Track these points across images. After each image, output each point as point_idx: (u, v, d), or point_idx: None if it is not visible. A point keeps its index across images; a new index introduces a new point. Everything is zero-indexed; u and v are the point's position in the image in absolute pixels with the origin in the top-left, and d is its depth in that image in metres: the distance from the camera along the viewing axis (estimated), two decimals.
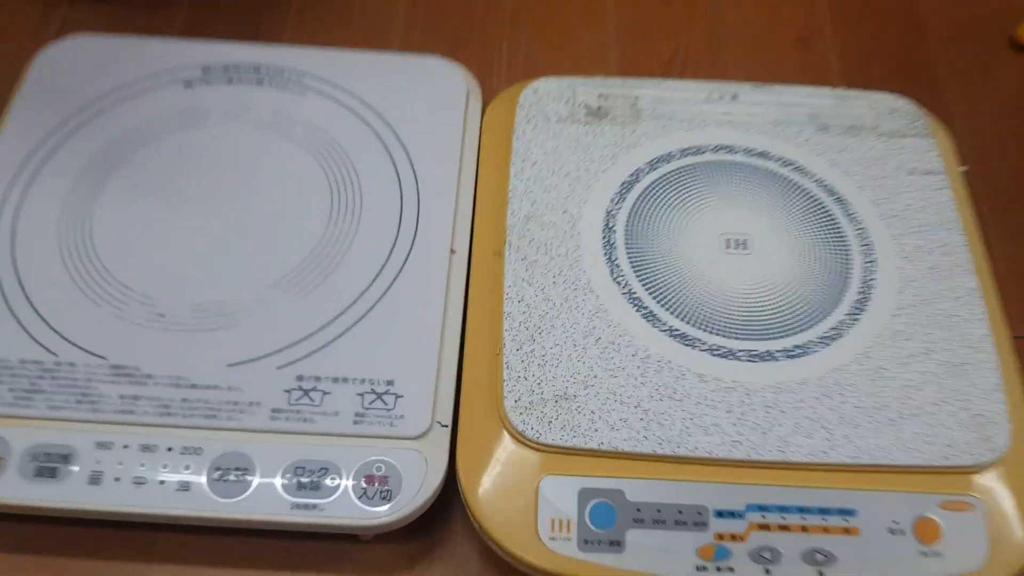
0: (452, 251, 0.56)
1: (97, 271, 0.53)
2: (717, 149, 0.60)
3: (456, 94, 0.62)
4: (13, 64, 0.67)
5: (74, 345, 0.51)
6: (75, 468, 0.48)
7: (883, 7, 0.78)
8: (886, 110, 0.63)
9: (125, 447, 0.48)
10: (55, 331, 0.51)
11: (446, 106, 0.62)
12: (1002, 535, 0.48)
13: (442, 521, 0.52)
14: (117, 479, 0.47)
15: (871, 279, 0.55)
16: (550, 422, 0.49)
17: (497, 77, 0.70)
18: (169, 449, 0.48)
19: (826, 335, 0.53)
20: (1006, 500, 0.49)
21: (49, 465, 0.48)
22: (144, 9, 0.73)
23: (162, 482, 0.47)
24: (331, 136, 0.59)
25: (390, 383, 0.50)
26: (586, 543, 0.47)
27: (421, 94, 0.62)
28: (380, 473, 0.48)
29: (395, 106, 0.61)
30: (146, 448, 0.48)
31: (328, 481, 0.48)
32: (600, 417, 0.49)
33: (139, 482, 0.47)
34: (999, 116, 0.71)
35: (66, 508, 0.47)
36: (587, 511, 0.48)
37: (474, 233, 0.57)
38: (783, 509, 0.48)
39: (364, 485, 0.48)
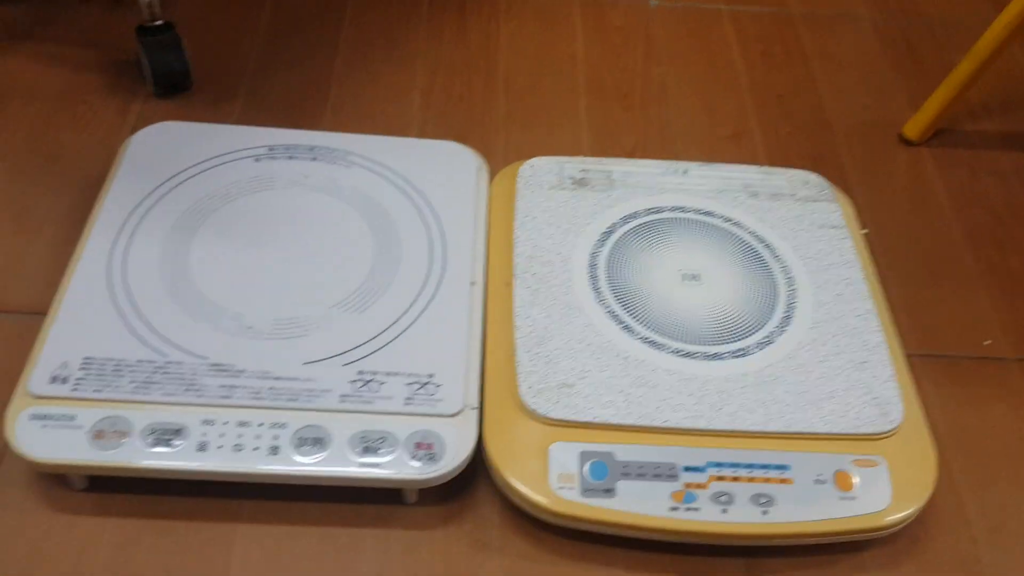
0: (472, 282, 0.71)
1: (194, 294, 0.67)
2: (673, 209, 0.78)
3: (469, 168, 0.79)
4: (105, 145, 0.83)
5: (179, 348, 0.64)
6: (185, 439, 0.61)
7: (797, 112, 0.98)
8: (800, 182, 0.81)
9: (225, 423, 0.61)
10: (163, 338, 0.65)
11: (461, 176, 0.79)
12: (901, 483, 0.63)
13: (469, 491, 0.66)
14: (220, 447, 0.61)
15: (793, 302, 0.72)
16: (555, 403, 0.64)
17: (495, 159, 0.88)
18: (260, 424, 0.62)
19: (761, 341, 0.69)
20: (902, 458, 0.65)
21: (164, 437, 0.61)
22: (206, 104, 0.90)
23: (256, 448, 0.61)
24: (373, 198, 0.76)
25: (431, 376, 0.65)
26: (586, 491, 0.61)
27: (441, 168, 0.79)
28: (427, 441, 0.62)
29: (422, 176, 0.78)
30: (242, 423, 0.62)
31: (387, 446, 0.61)
32: (593, 399, 0.64)
33: (238, 448, 0.60)
34: (891, 192, 0.91)
35: (180, 469, 0.60)
36: (586, 468, 0.62)
37: (488, 269, 0.73)
38: (735, 465, 0.63)
39: (415, 449, 0.62)
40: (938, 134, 0.97)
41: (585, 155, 0.90)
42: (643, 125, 0.94)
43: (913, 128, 0.95)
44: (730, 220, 0.78)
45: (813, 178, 0.82)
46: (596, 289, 0.71)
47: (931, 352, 0.78)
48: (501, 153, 0.89)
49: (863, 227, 0.83)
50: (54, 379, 0.62)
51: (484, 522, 0.65)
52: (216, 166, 0.76)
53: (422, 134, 0.89)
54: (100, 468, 0.60)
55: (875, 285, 0.75)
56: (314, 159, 0.78)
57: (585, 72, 0.99)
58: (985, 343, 0.79)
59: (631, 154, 0.91)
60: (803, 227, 0.78)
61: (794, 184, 0.81)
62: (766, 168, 0.82)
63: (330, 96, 0.92)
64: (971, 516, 0.68)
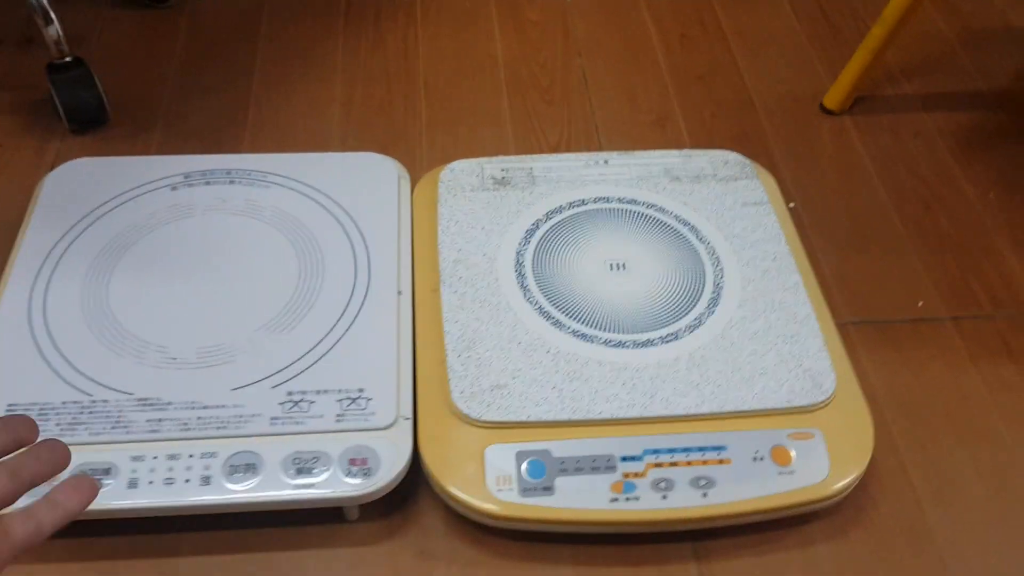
0: (399, 292, 0.71)
1: (117, 330, 0.67)
2: (597, 200, 0.78)
3: (390, 178, 0.79)
4: (22, 187, 0.81)
5: (104, 386, 0.64)
6: (115, 478, 0.60)
7: (718, 92, 0.98)
8: (721, 162, 0.82)
9: (155, 458, 0.61)
10: (88, 377, 0.64)
11: (383, 187, 0.78)
12: (838, 454, 0.64)
13: (412, 502, 0.66)
14: (151, 482, 0.60)
15: (721, 281, 0.72)
16: (488, 405, 0.64)
17: (419, 166, 0.87)
18: (191, 455, 0.61)
19: (691, 324, 0.69)
20: (837, 428, 0.65)
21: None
22: (123, 138, 0.89)
23: (187, 480, 0.60)
24: (294, 216, 0.75)
25: (361, 390, 0.64)
26: (525, 491, 0.61)
27: (362, 180, 0.78)
28: (360, 456, 0.61)
29: (343, 190, 0.77)
30: (172, 456, 0.61)
31: (320, 466, 0.61)
32: (527, 398, 0.64)
33: (169, 482, 0.60)
34: (817, 163, 0.91)
35: (111, 509, 0.59)
36: (523, 467, 0.62)
37: (415, 277, 0.72)
38: (671, 450, 0.63)
39: (349, 466, 0.61)
40: (858, 101, 0.97)
41: (511, 154, 0.90)
42: (567, 118, 0.94)
43: (832, 98, 0.96)
44: (653, 206, 0.78)
45: (733, 157, 0.82)
46: (523, 287, 0.71)
47: (865, 319, 0.79)
48: (426, 159, 0.89)
49: (789, 201, 0.83)
50: None
51: (429, 532, 0.64)
52: (133, 198, 0.75)
53: (344, 147, 0.89)
54: None
55: (802, 258, 0.75)
56: (231, 182, 0.77)
57: (505, 70, 0.99)
58: (919, 304, 0.80)
59: (557, 148, 0.91)
60: (726, 206, 0.78)
61: (715, 164, 0.81)
62: (686, 151, 0.83)
63: (248, 117, 0.91)
64: (915, 479, 0.69)
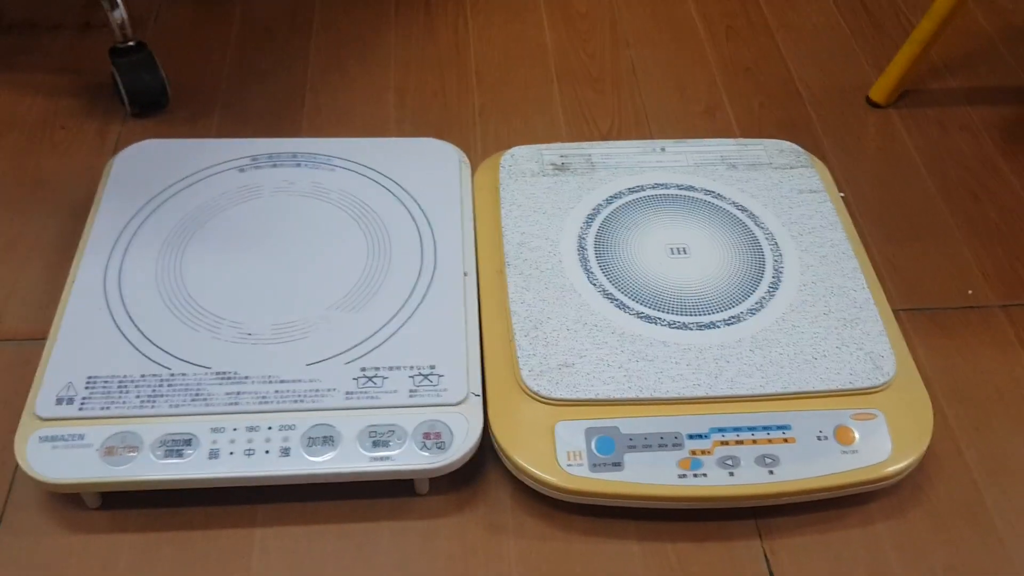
0: (465, 273, 0.72)
1: (192, 306, 0.68)
2: (655, 187, 0.79)
3: (451, 163, 0.80)
4: (86, 169, 0.83)
5: (182, 360, 0.65)
6: (196, 449, 0.61)
7: (766, 83, 0.99)
8: (776, 151, 0.83)
9: (235, 429, 0.62)
10: (166, 352, 0.65)
11: (444, 172, 0.80)
12: (900, 434, 0.65)
13: (480, 475, 0.67)
14: (231, 453, 0.61)
15: (780, 266, 0.73)
16: (557, 383, 0.65)
17: (474, 151, 0.89)
18: (269, 428, 0.62)
19: (752, 307, 0.71)
20: (898, 409, 0.66)
21: (175, 448, 0.61)
22: (183, 121, 0.90)
23: (267, 452, 0.61)
24: (360, 199, 0.76)
25: (432, 367, 0.66)
26: (595, 466, 0.63)
27: (424, 164, 0.80)
28: (434, 431, 0.63)
29: (406, 174, 0.79)
30: (251, 428, 0.62)
31: (395, 439, 0.62)
32: (594, 376, 0.66)
33: (249, 453, 0.61)
34: (864, 155, 0.93)
35: (193, 479, 0.61)
36: (593, 443, 0.63)
37: (479, 259, 0.74)
38: (737, 429, 0.65)
39: (423, 440, 0.62)
40: (904, 95, 0.98)
41: (563, 141, 0.91)
42: (617, 107, 0.96)
43: (879, 91, 0.97)
44: (711, 192, 0.79)
45: (787, 145, 0.83)
46: (587, 270, 0.72)
47: (917, 306, 0.80)
48: (479, 145, 0.90)
49: (840, 191, 0.84)
50: (60, 400, 0.62)
51: (497, 505, 0.66)
52: (202, 179, 0.77)
53: (400, 133, 0.90)
54: (113, 484, 0.61)
55: (858, 245, 0.76)
56: (298, 165, 0.79)
57: (555, 60, 1.00)
58: (968, 293, 0.81)
59: (607, 136, 0.93)
60: (783, 194, 0.79)
61: (770, 153, 0.83)
62: (741, 140, 0.84)
63: (306, 102, 0.93)
64: (970, 461, 0.70)
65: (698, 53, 1.03)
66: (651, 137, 0.93)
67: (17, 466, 0.61)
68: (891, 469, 0.64)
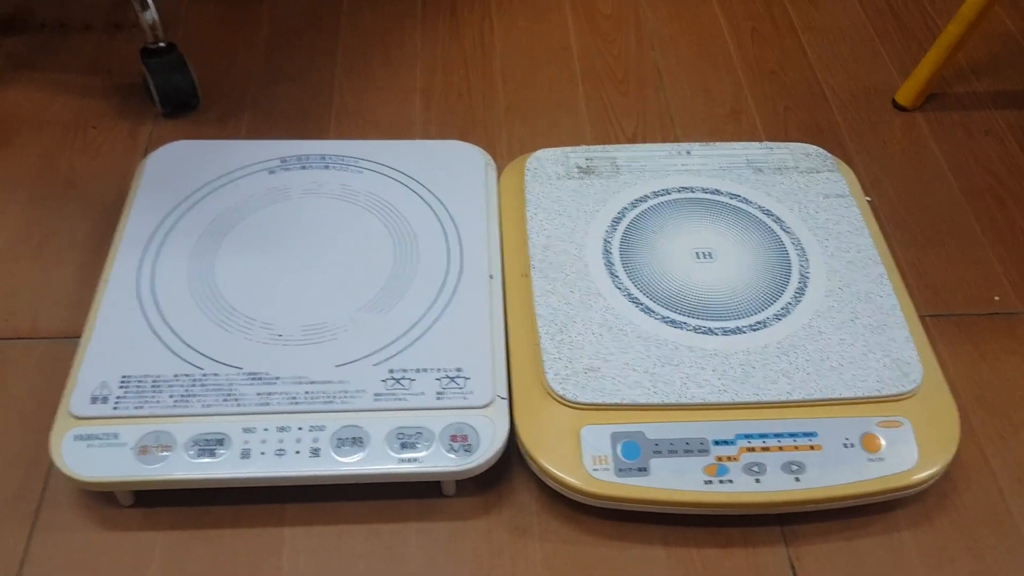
0: (490, 276, 0.73)
1: (224, 307, 0.69)
2: (681, 190, 0.79)
3: (477, 165, 0.81)
4: (118, 168, 0.84)
5: (215, 360, 0.66)
6: (228, 449, 0.62)
7: (791, 86, 0.99)
8: (802, 155, 0.83)
9: (265, 430, 0.63)
10: (199, 352, 0.66)
11: (470, 174, 0.80)
12: (927, 441, 0.65)
13: (506, 479, 0.67)
14: (263, 453, 0.62)
15: (806, 271, 0.74)
16: (583, 387, 0.66)
17: (499, 153, 0.89)
18: (299, 428, 0.63)
19: (779, 313, 0.71)
20: (924, 417, 0.66)
21: (208, 448, 0.62)
22: (213, 121, 0.91)
23: (297, 452, 0.62)
24: (387, 201, 0.77)
25: (459, 369, 0.66)
26: (620, 471, 0.63)
27: (449, 166, 0.80)
28: (461, 433, 0.63)
29: (432, 176, 0.79)
30: (282, 428, 0.63)
31: (423, 441, 0.63)
32: (620, 381, 0.66)
33: (280, 453, 0.62)
34: (890, 159, 0.92)
35: (225, 478, 0.61)
36: (618, 448, 0.64)
37: (504, 262, 0.74)
38: (763, 435, 0.65)
39: (450, 442, 0.63)
40: (930, 99, 0.98)
41: (587, 143, 0.92)
42: (642, 109, 0.96)
43: (906, 95, 0.97)
44: (737, 196, 0.79)
45: (814, 150, 0.83)
46: (612, 274, 0.73)
47: (942, 312, 0.80)
48: (505, 147, 0.91)
49: (866, 195, 0.84)
50: (94, 399, 0.63)
51: (523, 508, 0.66)
52: (232, 181, 0.78)
53: (426, 134, 0.91)
54: (146, 483, 0.62)
55: (884, 250, 0.76)
56: (326, 167, 0.79)
57: (580, 62, 1.01)
58: (995, 299, 0.81)
59: (632, 139, 0.93)
60: (809, 198, 0.79)
61: (796, 157, 0.83)
62: (767, 144, 0.84)
63: (333, 104, 0.93)
64: (996, 468, 0.70)
65: (723, 55, 1.03)
66: (676, 139, 0.93)
67: (52, 464, 0.61)
68: (917, 477, 0.64)
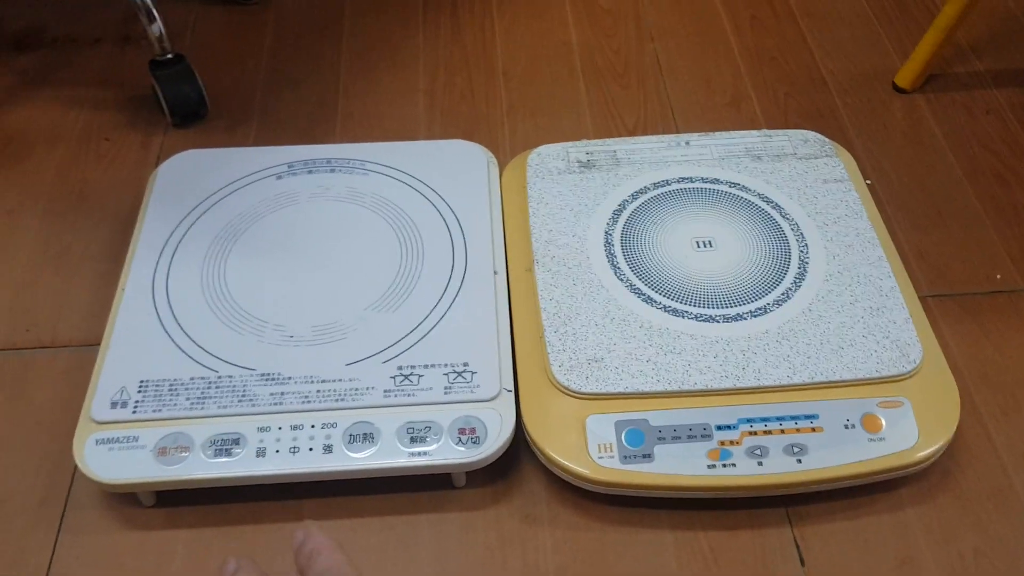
0: (495, 272, 0.74)
1: (237, 311, 0.71)
2: (680, 180, 0.81)
3: (479, 163, 0.82)
4: (131, 179, 0.86)
5: (229, 363, 0.68)
6: (244, 448, 0.64)
7: (791, 72, 1.00)
8: (800, 141, 0.84)
9: (280, 428, 0.65)
10: (213, 355, 0.68)
11: (473, 172, 0.82)
12: (926, 421, 0.66)
13: (514, 469, 0.69)
14: (277, 451, 0.64)
15: (806, 257, 0.75)
16: (587, 377, 0.67)
17: (502, 150, 0.91)
18: (312, 426, 0.65)
19: (779, 298, 0.72)
20: (925, 396, 0.67)
21: (225, 447, 0.64)
22: (222, 130, 0.93)
23: (311, 449, 0.64)
24: (393, 202, 0.79)
25: (466, 364, 0.68)
26: (625, 458, 0.65)
27: (453, 165, 0.82)
28: (469, 426, 0.65)
29: (436, 176, 0.81)
30: (295, 427, 0.65)
31: (432, 435, 0.65)
32: (623, 370, 0.67)
33: (294, 450, 0.64)
34: (891, 141, 0.93)
35: (243, 476, 0.63)
36: (623, 436, 0.65)
37: (508, 257, 0.76)
38: (765, 419, 0.66)
39: (459, 435, 0.65)
40: (930, 80, 0.99)
41: (589, 137, 0.93)
42: (643, 102, 0.97)
43: (905, 76, 0.97)
44: (736, 184, 0.80)
45: (812, 135, 0.84)
46: (614, 265, 0.74)
47: (945, 292, 0.80)
48: (508, 144, 0.92)
49: (866, 178, 0.85)
50: (114, 404, 0.66)
51: (531, 498, 0.68)
52: (241, 187, 0.80)
53: (430, 134, 0.92)
54: (167, 483, 0.64)
55: (883, 233, 0.77)
56: (332, 171, 0.81)
57: (580, 57, 1.02)
58: (997, 277, 0.82)
59: (634, 132, 0.94)
60: (808, 184, 0.80)
61: (795, 144, 0.84)
62: (765, 131, 0.85)
63: (339, 107, 0.95)
64: (999, 445, 0.71)
65: (723, 44, 1.03)
66: (677, 131, 0.94)
67: (76, 468, 0.64)
68: (919, 455, 0.65)
